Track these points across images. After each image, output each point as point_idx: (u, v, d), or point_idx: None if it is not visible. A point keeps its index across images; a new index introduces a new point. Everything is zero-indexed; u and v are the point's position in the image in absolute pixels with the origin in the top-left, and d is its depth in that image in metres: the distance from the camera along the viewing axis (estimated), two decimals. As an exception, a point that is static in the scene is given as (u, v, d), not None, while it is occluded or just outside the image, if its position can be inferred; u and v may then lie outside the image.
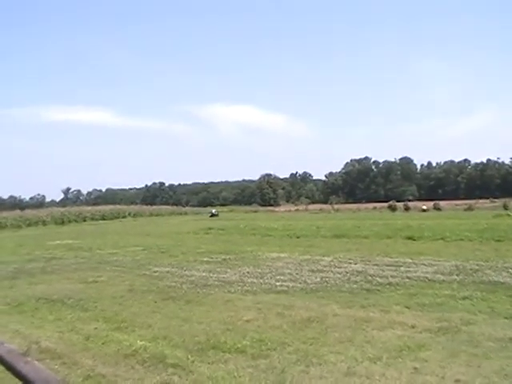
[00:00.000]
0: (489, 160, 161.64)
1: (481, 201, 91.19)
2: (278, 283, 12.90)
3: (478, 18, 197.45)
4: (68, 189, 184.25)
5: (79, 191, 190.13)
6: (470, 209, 67.43)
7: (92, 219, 64.99)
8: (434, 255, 17.40)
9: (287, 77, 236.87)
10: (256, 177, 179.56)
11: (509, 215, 44.21)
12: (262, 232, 31.65)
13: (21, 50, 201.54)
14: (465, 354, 6.90)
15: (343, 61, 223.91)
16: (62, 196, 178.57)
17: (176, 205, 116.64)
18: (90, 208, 77.56)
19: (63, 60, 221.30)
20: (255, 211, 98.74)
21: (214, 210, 78.88)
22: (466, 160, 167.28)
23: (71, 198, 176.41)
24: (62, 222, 58.38)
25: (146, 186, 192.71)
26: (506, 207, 62.12)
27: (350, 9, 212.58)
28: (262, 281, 13.35)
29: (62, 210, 68.27)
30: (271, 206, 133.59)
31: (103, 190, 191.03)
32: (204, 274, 14.98)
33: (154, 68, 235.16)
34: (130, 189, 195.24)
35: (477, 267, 14.37)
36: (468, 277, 12.96)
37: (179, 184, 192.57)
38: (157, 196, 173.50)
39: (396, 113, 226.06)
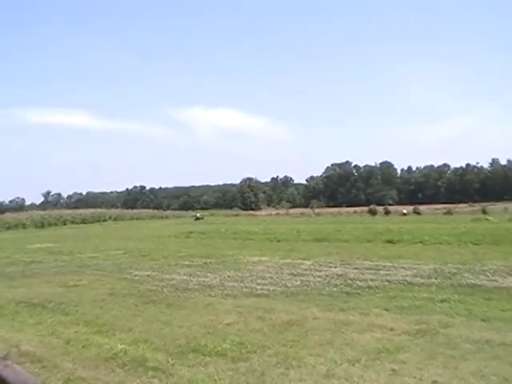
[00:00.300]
0: (468, 165, 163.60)
1: (460, 205, 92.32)
2: (258, 287, 12.95)
3: (461, 17, 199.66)
4: (48, 192, 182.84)
5: (59, 194, 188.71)
6: (449, 213, 68.16)
7: (72, 222, 64.53)
8: (414, 259, 17.57)
9: (268, 80, 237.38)
10: (237, 181, 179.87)
11: (487, 219, 44.76)
12: (242, 236, 31.68)
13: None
14: (442, 355, 7.00)
15: (324, 64, 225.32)
16: (42, 199, 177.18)
17: (157, 208, 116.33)
18: (70, 211, 77.12)
19: (41, 62, 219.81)
20: (236, 215, 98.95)
21: (198, 214, 79.39)
22: (445, 165, 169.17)
23: (51, 202, 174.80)
24: (42, 226, 57.90)
25: (127, 189, 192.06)
26: (484, 211, 63.01)
27: (331, 9, 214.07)
28: (242, 284, 13.39)
29: (42, 213, 67.72)
30: (252, 209, 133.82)
31: (84, 193, 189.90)
32: (185, 277, 14.99)
33: (133, 70, 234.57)
34: (111, 192, 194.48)
35: (455, 270, 14.55)
36: (446, 280, 13.11)
37: (160, 188, 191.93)
38: (138, 199, 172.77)
39: (376, 117, 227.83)
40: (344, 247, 22.96)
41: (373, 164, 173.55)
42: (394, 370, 6.46)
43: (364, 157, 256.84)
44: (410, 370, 6.44)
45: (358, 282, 13.03)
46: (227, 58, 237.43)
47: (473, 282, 12.72)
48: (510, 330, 8.19)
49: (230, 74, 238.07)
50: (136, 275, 15.78)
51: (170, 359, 7.20)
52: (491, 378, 6.07)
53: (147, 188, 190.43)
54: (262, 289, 12.67)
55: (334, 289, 12.35)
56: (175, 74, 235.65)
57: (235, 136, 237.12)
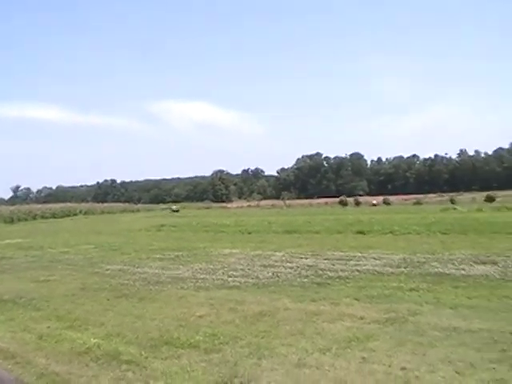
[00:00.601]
0: (437, 156, 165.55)
1: (429, 195, 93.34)
2: (230, 279, 13.02)
3: (429, 8, 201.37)
4: (17, 187, 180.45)
5: (29, 189, 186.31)
6: (418, 203, 69.05)
7: (42, 217, 63.85)
8: (383, 249, 17.80)
9: (240, 73, 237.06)
10: (208, 173, 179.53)
11: (455, 209, 45.43)
12: (214, 228, 31.71)
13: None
14: (411, 343, 7.15)
15: (296, 57, 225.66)
16: (11, 194, 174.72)
17: (128, 202, 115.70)
18: (40, 206, 76.37)
19: (11, 55, 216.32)
20: (207, 207, 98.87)
21: (174, 207, 79.69)
22: (414, 156, 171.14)
23: (21, 196, 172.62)
24: (12, 221, 57.16)
25: (98, 183, 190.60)
26: (453, 202, 63.88)
27: (300, 2, 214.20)
28: (214, 277, 13.45)
29: (12, 208, 66.94)
30: (223, 202, 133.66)
31: (53, 187, 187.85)
32: (157, 271, 14.99)
33: (103, 63, 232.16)
34: (81, 186, 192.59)
35: (424, 260, 14.79)
36: (415, 269, 13.34)
37: (131, 181, 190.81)
38: (108, 193, 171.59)
39: (347, 109, 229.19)
40: (315, 238, 23.12)
41: (343, 155, 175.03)
42: (364, 358, 6.60)
43: (334, 148, 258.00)
44: (380, 358, 6.58)
45: (328, 273, 13.18)
46: (200, 51, 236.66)
47: (441, 270, 12.96)
48: (476, 317, 8.40)
49: (201, 66, 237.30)
50: (107, 269, 15.73)
51: (143, 352, 7.24)
52: (458, 364, 6.24)
53: (118, 182, 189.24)
54: (233, 281, 12.74)
55: (305, 280, 12.48)
56: (146, 67, 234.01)
57: (206, 129, 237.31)
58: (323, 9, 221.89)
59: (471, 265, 13.69)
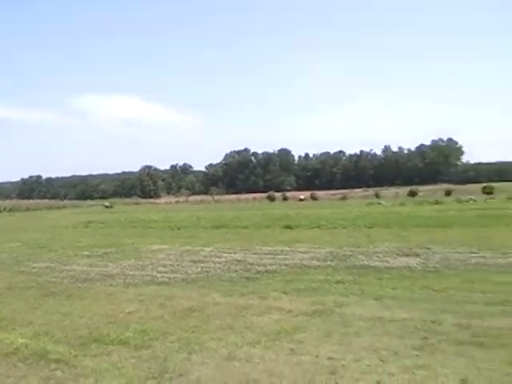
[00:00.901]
0: (362, 151, 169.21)
1: (355, 190, 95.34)
2: (159, 275, 12.96)
3: (358, 6, 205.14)
4: None
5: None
6: (344, 198, 70.37)
7: (-37, 215, 61.52)
8: (310, 243, 18.15)
9: (166, 67, 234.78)
10: (136, 169, 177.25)
11: (380, 204, 46.68)
12: (142, 224, 31.44)
13: None
14: (337, 333, 7.35)
15: (223, 52, 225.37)
16: None
17: (54, 198, 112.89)
18: (-39, 203, 73.49)
19: None
20: (136, 203, 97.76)
21: (107, 203, 78.79)
22: (341, 151, 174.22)
23: None
24: None
25: (22, 179, 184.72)
26: (377, 196, 65.64)
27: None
28: (143, 273, 13.37)
29: None
30: (151, 197, 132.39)
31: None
32: (85, 268, 14.75)
33: (27, 57, 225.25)
34: (5, 183, 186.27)
35: (350, 253, 15.19)
36: (341, 262, 13.69)
37: (57, 177, 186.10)
38: (34, 190, 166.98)
39: (275, 105, 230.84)
40: (243, 233, 23.31)
41: (271, 151, 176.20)
42: (292, 350, 6.74)
43: (263, 144, 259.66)
44: (308, 349, 6.74)
45: (257, 267, 13.33)
46: (126, 45, 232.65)
47: (366, 263, 13.37)
48: (399, 306, 8.72)
49: (127, 60, 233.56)
50: (34, 267, 15.34)
51: (72, 351, 7.13)
52: (382, 352, 6.47)
53: (43, 178, 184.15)
54: (162, 276, 12.70)
55: (234, 274, 12.58)
56: (71, 60, 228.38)
57: (134, 123, 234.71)
58: (249, 8, 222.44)
59: (395, 257, 14.21)
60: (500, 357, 6.16)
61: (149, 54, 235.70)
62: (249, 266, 13.54)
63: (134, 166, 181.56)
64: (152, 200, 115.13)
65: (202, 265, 14.19)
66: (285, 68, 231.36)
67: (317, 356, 6.45)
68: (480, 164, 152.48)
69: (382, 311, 8.50)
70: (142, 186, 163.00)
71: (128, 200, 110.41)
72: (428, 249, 15.43)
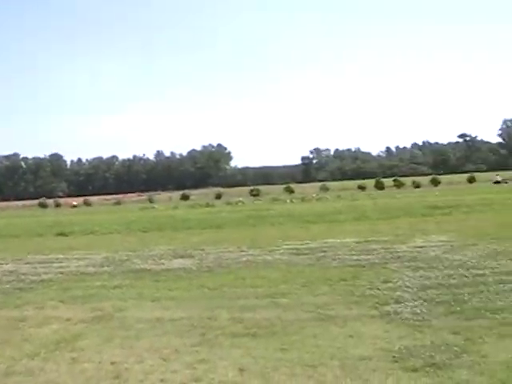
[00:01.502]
0: (135, 156, 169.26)
1: (128, 195, 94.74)
2: None
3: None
4: None
5: None
6: (118, 203, 69.93)
7: None
8: (86, 249, 17.85)
9: None
10: None
11: (153, 208, 47.20)
12: None
13: None
14: (119, 337, 7.41)
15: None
16: None
17: None
18: None
19: None
20: None
21: None
22: (114, 156, 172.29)
23: None
24: None
25: None
26: (151, 201, 66.15)
27: None
28: None
29: None
30: None
31: None
32: None
33: None
34: None
35: (125, 257, 15.23)
36: (118, 267, 13.69)
37: None
38: None
39: (47, 109, 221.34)
40: (14, 243, 22.18)
41: (42, 156, 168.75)
42: (73, 358, 6.64)
43: (33, 149, 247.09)
44: (89, 356, 6.70)
45: (30, 277, 12.77)
46: None
47: (142, 266, 13.54)
48: (177, 306, 9.04)
49: None
50: None
51: None
52: (163, 351, 6.67)
53: None
54: None
55: (7, 286, 11.94)
56: None
57: None
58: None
59: (170, 259, 14.60)
60: (272, 345, 6.71)
61: None
62: (22, 277, 12.89)
63: None
64: None
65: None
66: (53, 68, 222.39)
67: (99, 362, 6.45)
68: (247, 168, 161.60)
69: (160, 312, 8.73)
70: None
71: None
72: (202, 250, 16.03)
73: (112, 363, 6.37)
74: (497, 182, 62.76)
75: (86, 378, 5.99)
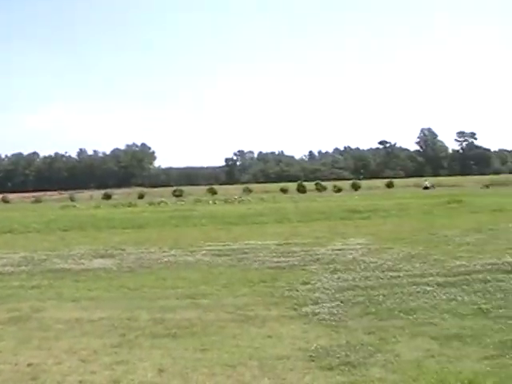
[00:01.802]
0: (57, 153, 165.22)
1: (49, 193, 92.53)
2: None
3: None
4: None
5: None
6: (38, 201, 68.13)
7: None
8: (3, 248, 17.33)
9: None
10: None
11: (75, 206, 46.27)
12: None
13: None
14: (36, 339, 7.29)
15: None
16: None
17: None
18: None
19: None
20: None
21: None
22: (34, 153, 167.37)
23: None
24: None
25: None
26: (72, 199, 64.83)
27: None
28: None
29: None
30: None
31: None
32: None
33: None
34: None
35: (45, 257, 14.93)
36: (36, 267, 13.43)
37: None
38: None
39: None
40: None
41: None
42: (-11, 362, 6.51)
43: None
44: (6, 358, 6.56)
45: None
46: None
47: (62, 266, 13.34)
48: (97, 307, 9.00)
49: None
50: None
51: None
52: (82, 353, 6.63)
53: None
54: None
55: None
56: None
57: None
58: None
59: (90, 259, 14.46)
60: (192, 345, 6.81)
61: None
62: None
63: None
64: None
65: None
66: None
67: (16, 364, 6.33)
68: (171, 169, 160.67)
69: (80, 313, 8.66)
70: None
71: None
72: (123, 250, 15.96)
73: (29, 365, 6.27)
74: (426, 188, 65.61)
75: (2, 380, 5.89)
